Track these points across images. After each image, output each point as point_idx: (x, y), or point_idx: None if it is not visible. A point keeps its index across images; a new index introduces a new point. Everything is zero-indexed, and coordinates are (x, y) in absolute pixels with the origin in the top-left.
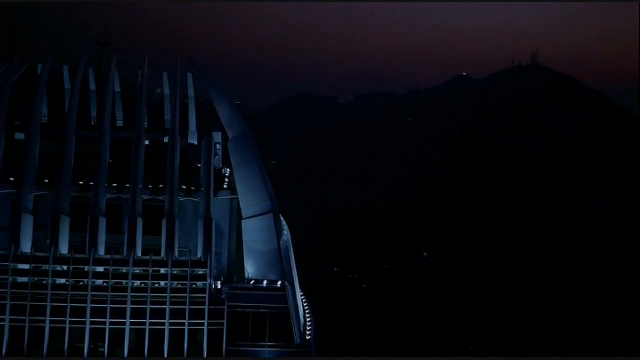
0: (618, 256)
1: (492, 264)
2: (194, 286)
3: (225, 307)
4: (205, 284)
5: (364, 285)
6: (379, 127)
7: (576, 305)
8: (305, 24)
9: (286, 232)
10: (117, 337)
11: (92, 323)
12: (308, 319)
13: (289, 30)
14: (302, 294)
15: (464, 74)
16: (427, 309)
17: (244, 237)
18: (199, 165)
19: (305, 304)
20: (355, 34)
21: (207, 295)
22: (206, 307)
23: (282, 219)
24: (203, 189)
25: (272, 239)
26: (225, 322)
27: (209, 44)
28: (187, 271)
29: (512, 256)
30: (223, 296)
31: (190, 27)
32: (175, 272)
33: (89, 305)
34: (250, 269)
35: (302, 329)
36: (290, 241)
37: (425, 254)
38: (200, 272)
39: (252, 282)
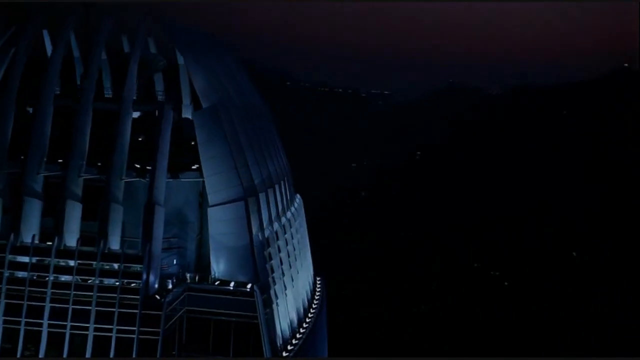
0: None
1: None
2: (131, 285)
3: (163, 313)
4: (140, 283)
5: None
6: (533, 120)
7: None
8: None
9: (299, 222)
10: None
11: (5, 322)
12: (302, 331)
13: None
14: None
15: (626, 65)
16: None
17: (210, 229)
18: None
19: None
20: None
21: (140, 297)
22: (138, 312)
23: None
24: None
25: (242, 232)
26: (161, 330)
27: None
28: (130, 267)
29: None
30: (168, 299)
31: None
32: (108, 267)
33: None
34: (216, 267)
35: (279, 342)
36: (306, 234)
37: None
38: (137, 269)
39: (217, 283)
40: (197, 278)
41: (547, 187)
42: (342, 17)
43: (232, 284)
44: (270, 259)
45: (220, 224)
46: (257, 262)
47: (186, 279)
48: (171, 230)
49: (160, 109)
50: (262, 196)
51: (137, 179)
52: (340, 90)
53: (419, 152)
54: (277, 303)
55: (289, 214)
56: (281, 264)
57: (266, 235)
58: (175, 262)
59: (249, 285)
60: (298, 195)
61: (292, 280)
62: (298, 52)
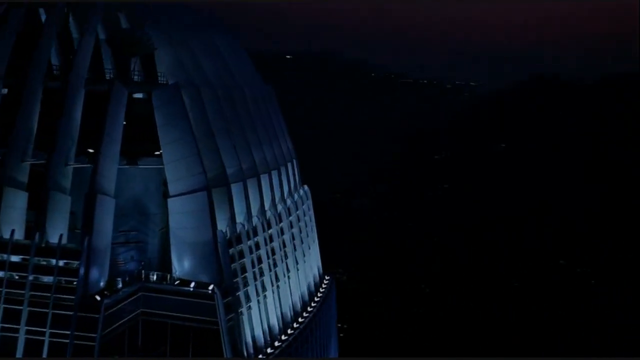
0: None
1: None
2: (72, 284)
3: (100, 315)
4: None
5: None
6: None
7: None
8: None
9: (300, 215)
10: None
11: None
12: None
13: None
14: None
15: None
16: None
17: (170, 222)
18: None
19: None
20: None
21: (76, 297)
22: (74, 313)
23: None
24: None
25: (204, 227)
26: (97, 335)
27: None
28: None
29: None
30: (108, 300)
31: None
32: (45, 263)
33: None
34: (177, 265)
35: (247, 350)
36: (312, 229)
37: None
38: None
39: (176, 283)
40: (155, 276)
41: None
42: (428, 9)
43: (192, 284)
44: (242, 257)
45: (181, 216)
46: (222, 261)
47: (141, 277)
48: (128, 223)
49: (110, 87)
50: (236, 187)
51: (89, 165)
52: (424, 81)
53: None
54: (249, 307)
55: (280, 207)
56: (259, 262)
57: (237, 231)
58: (134, 258)
59: (210, 287)
60: (305, 187)
61: (278, 280)
62: (382, 43)
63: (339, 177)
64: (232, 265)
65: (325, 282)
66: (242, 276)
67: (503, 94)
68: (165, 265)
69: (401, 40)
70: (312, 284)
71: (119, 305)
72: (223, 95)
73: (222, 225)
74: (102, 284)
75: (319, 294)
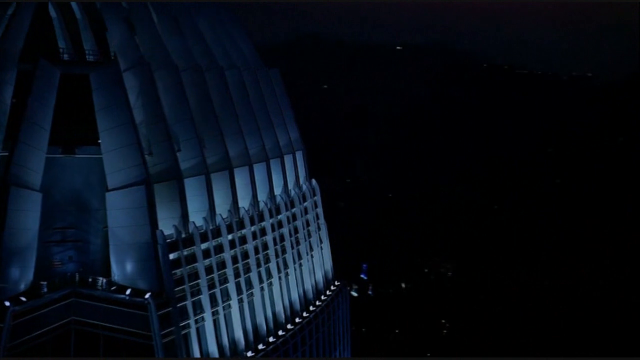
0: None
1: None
2: None
3: (5, 325)
4: None
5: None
6: None
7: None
8: None
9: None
10: None
11: None
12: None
13: None
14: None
15: None
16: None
17: (108, 219)
18: None
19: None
20: None
21: None
22: None
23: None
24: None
25: (142, 226)
26: (1, 346)
27: None
28: None
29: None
30: (17, 308)
31: None
32: None
33: None
34: (116, 269)
35: None
36: (314, 229)
37: None
38: None
39: (113, 289)
40: (90, 280)
41: None
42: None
43: (128, 291)
44: (194, 261)
45: (119, 213)
46: (162, 266)
47: (75, 280)
48: (66, 219)
49: (34, 66)
50: (192, 181)
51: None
52: (539, 72)
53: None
54: (201, 319)
55: (262, 204)
56: (219, 269)
57: (190, 231)
58: (72, 259)
59: (147, 295)
60: (313, 182)
61: (252, 287)
62: (492, 34)
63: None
64: (179, 271)
65: (332, 289)
66: (192, 283)
67: (619, 85)
68: (108, 268)
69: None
70: (312, 290)
71: (38, 312)
72: (193, 77)
73: (165, 226)
74: (22, 287)
75: (318, 303)
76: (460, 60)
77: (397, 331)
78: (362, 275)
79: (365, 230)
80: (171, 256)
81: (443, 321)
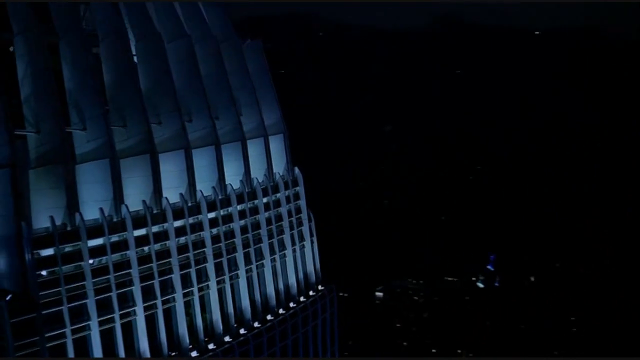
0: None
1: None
2: None
3: None
4: None
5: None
6: None
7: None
8: None
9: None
10: None
11: None
12: None
13: None
14: None
15: None
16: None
17: None
18: None
19: None
20: None
21: None
22: None
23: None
24: None
25: (5, 216)
26: None
27: None
28: None
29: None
30: None
31: None
32: None
33: None
34: None
35: None
36: (304, 224)
37: None
38: None
39: None
40: None
41: None
42: None
43: None
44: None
45: None
46: (28, 265)
47: None
48: None
49: None
50: (88, 166)
51: None
52: None
53: None
54: (85, 328)
55: (201, 194)
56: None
57: (76, 224)
58: None
59: (8, 297)
60: (296, 170)
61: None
62: None
63: None
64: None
65: (311, 294)
66: (70, 287)
67: None
68: None
69: None
70: (282, 291)
71: None
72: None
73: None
74: None
75: (292, 305)
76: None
77: (522, 327)
78: (488, 266)
79: (496, 221)
80: (45, 252)
81: (573, 318)
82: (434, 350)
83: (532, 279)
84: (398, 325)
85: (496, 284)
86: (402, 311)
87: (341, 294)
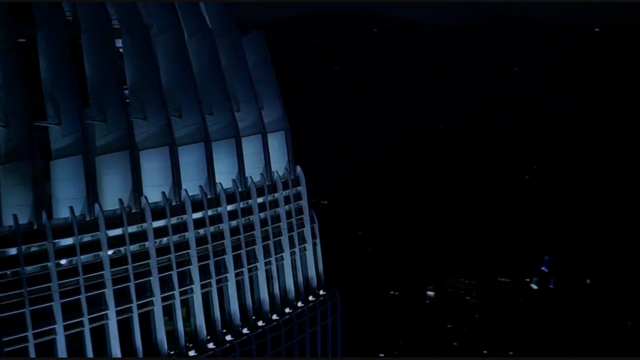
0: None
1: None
2: None
3: None
4: None
5: None
6: None
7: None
8: None
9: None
10: None
11: None
12: None
13: None
14: None
15: None
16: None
17: None
18: None
19: None
20: None
21: None
22: None
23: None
24: None
25: None
26: None
27: None
28: None
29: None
30: None
31: None
32: None
33: None
34: None
35: None
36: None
37: None
38: None
39: None
40: None
41: None
42: None
43: None
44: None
45: None
46: None
47: None
48: None
49: None
50: (62, 162)
51: None
52: None
53: None
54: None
55: (186, 193)
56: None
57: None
58: None
59: None
60: (298, 169)
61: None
62: None
63: None
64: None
65: (311, 299)
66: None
67: None
68: None
69: None
70: (276, 299)
71: None
72: (90, 38)
73: None
74: None
75: (288, 310)
76: None
77: (576, 329)
78: (543, 268)
79: (550, 222)
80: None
81: (629, 323)
82: (485, 352)
83: (588, 281)
84: (449, 325)
85: (551, 286)
86: (453, 311)
87: (391, 292)
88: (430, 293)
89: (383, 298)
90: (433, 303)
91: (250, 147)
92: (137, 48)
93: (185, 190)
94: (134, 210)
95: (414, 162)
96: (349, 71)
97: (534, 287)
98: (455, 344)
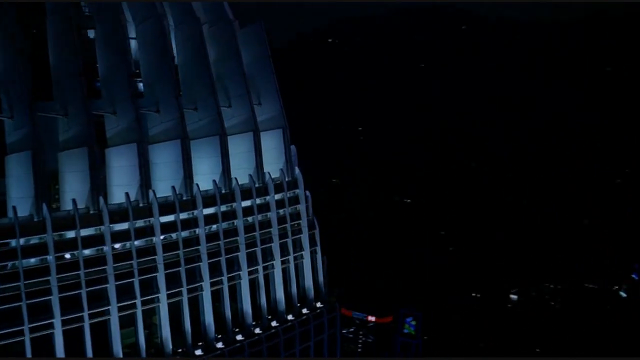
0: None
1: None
2: None
3: None
4: None
5: None
6: None
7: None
8: None
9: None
10: None
11: None
12: None
13: None
14: None
15: None
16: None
17: None
18: None
19: None
20: None
21: None
22: None
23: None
24: None
25: None
26: None
27: None
28: None
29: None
30: None
31: None
32: None
33: None
34: None
35: None
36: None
37: None
38: None
39: None
40: None
41: None
42: None
43: None
44: None
45: None
46: None
47: None
48: None
49: None
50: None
51: None
52: None
53: None
54: None
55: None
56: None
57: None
58: None
59: None
60: (297, 171)
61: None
62: None
63: None
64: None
65: (305, 312)
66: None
67: None
68: None
69: None
70: (262, 310)
71: None
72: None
73: None
74: None
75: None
76: None
77: None
78: (633, 275)
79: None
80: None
81: None
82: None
83: None
84: (531, 329)
85: None
86: (537, 316)
87: (473, 294)
88: (514, 297)
89: (465, 300)
90: (516, 306)
91: (242, 146)
92: (111, 39)
93: (153, 191)
94: (92, 212)
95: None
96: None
97: (623, 294)
98: (537, 350)
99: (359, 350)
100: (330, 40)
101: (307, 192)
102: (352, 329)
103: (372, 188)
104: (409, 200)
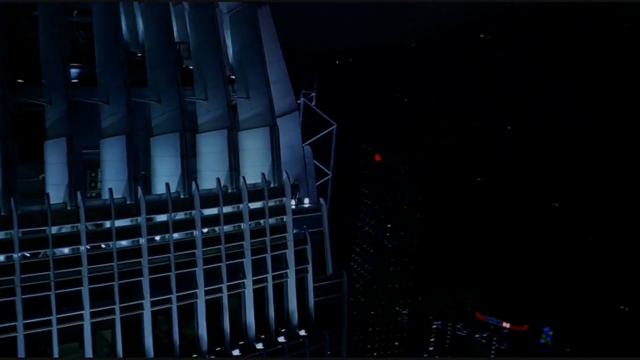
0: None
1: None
2: None
3: None
4: None
5: None
6: None
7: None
8: None
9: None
10: None
11: None
12: None
13: None
14: None
15: None
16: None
17: None
18: None
19: None
20: None
21: None
22: None
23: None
24: None
25: None
26: None
27: None
28: None
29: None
30: None
31: None
32: None
33: None
34: None
35: None
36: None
37: None
38: None
39: None
40: None
41: None
42: None
43: None
44: None
45: None
46: None
47: None
48: None
49: None
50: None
51: None
52: None
53: None
54: None
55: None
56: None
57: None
58: None
59: None
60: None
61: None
62: None
63: None
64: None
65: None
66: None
67: None
68: None
69: None
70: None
71: None
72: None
73: None
74: None
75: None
76: None
77: None
78: None
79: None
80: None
81: None
82: None
83: None
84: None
85: None
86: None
87: (621, 307)
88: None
89: (612, 313)
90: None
91: (214, 145)
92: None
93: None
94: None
95: None
96: None
97: None
98: None
99: (492, 356)
100: None
101: (322, 200)
102: (485, 334)
103: (513, 189)
104: (556, 204)
